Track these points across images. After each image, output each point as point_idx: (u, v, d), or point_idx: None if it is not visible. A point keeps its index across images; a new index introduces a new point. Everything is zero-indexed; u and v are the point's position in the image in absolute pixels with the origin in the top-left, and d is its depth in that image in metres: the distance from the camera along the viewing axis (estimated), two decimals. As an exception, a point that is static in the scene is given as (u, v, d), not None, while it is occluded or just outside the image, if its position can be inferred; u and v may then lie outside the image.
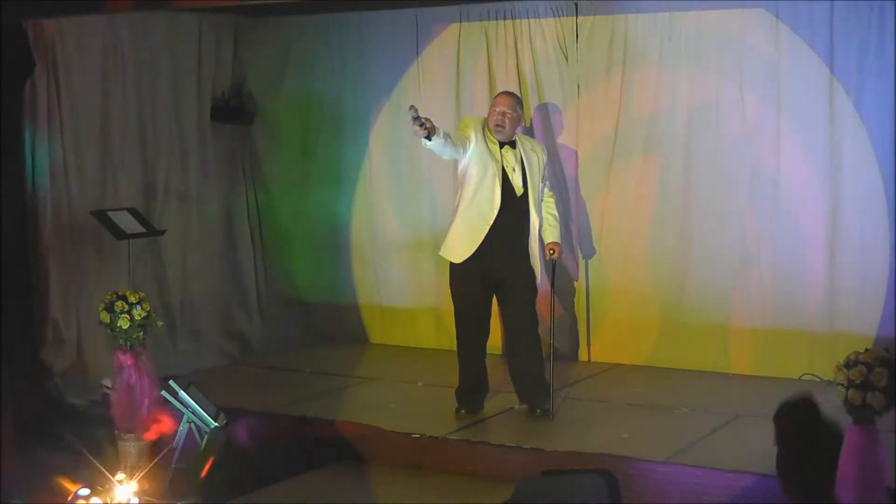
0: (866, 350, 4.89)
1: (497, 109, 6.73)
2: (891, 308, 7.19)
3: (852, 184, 7.33)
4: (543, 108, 8.17)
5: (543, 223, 6.81)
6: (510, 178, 6.69)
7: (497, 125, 6.70)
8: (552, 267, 6.89)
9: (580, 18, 8.05)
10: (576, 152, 8.12)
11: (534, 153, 6.80)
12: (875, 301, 7.28)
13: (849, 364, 4.82)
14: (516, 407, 6.96)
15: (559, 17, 8.09)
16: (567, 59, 8.10)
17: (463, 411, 6.86)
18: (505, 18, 8.26)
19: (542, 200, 6.81)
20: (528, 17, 8.18)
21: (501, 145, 6.72)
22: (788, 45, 7.42)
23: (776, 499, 5.43)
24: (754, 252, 7.66)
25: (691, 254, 7.84)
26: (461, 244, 6.71)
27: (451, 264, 6.80)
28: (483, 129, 6.72)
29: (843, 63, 7.26)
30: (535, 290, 6.80)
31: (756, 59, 7.53)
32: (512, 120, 6.71)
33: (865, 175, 7.27)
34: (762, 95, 7.54)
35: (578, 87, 8.10)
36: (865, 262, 7.32)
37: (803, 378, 7.45)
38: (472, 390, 6.90)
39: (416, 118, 6.23)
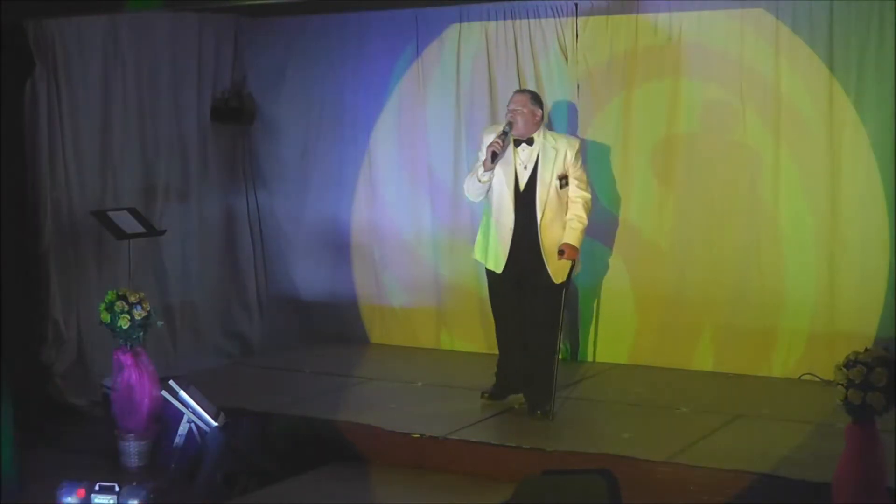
0: (866, 350, 4.90)
1: (509, 108, 6.79)
2: (891, 308, 7.18)
3: (852, 184, 7.32)
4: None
5: (566, 224, 6.70)
6: (518, 175, 6.70)
7: (509, 123, 6.72)
8: (570, 268, 6.74)
9: (580, 18, 8.04)
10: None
11: (553, 149, 6.72)
12: (875, 301, 7.28)
13: (849, 364, 4.83)
14: (516, 407, 6.97)
15: (559, 17, 8.09)
16: (567, 59, 8.10)
17: (486, 395, 7.02)
18: (505, 18, 8.25)
19: (554, 197, 6.67)
20: (528, 17, 8.18)
21: (518, 143, 6.73)
22: (788, 45, 7.42)
23: (776, 499, 5.45)
24: (754, 252, 7.66)
25: (691, 253, 7.83)
26: (491, 254, 6.84)
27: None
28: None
29: (843, 63, 7.26)
30: (549, 288, 6.69)
31: (756, 59, 7.53)
32: (524, 116, 6.70)
33: (865, 175, 7.27)
34: (762, 95, 7.53)
35: (578, 87, 8.09)
36: (865, 262, 7.31)
37: (803, 378, 7.46)
38: (501, 379, 7.04)
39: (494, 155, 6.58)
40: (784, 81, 7.46)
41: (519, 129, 6.71)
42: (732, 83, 7.61)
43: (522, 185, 6.71)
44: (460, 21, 8.41)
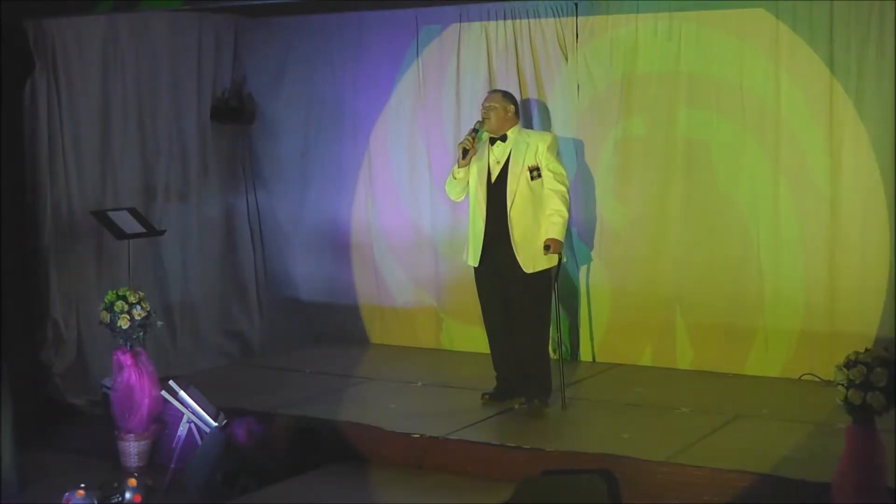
0: (866, 350, 4.90)
1: (482, 105, 6.95)
2: (891, 308, 7.18)
3: (852, 184, 7.32)
4: (543, 109, 8.17)
5: (546, 219, 6.74)
6: (491, 170, 6.81)
7: (479, 121, 6.87)
8: (557, 265, 6.83)
9: (580, 18, 8.04)
10: (576, 152, 8.12)
11: (525, 143, 6.82)
12: (875, 301, 7.27)
13: (849, 364, 4.83)
14: (516, 407, 6.97)
15: (559, 17, 8.09)
16: (567, 59, 8.10)
17: (487, 397, 7.04)
18: (505, 18, 8.26)
19: (525, 188, 6.73)
20: (528, 18, 8.18)
21: (493, 141, 6.85)
22: (788, 45, 7.42)
23: (776, 499, 5.44)
24: (754, 252, 7.66)
25: (691, 254, 7.83)
26: (471, 249, 6.93)
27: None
28: None
29: (843, 63, 7.26)
30: (522, 279, 6.76)
31: (756, 59, 7.53)
32: (496, 112, 6.84)
33: (865, 175, 7.27)
34: (762, 95, 7.53)
35: (578, 87, 8.09)
36: (865, 262, 7.31)
37: (803, 378, 7.46)
38: (501, 380, 7.08)
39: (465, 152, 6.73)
40: (784, 82, 7.46)
41: (492, 126, 6.86)
42: (732, 83, 7.60)
43: (494, 178, 6.82)
44: (460, 21, 8.41)
